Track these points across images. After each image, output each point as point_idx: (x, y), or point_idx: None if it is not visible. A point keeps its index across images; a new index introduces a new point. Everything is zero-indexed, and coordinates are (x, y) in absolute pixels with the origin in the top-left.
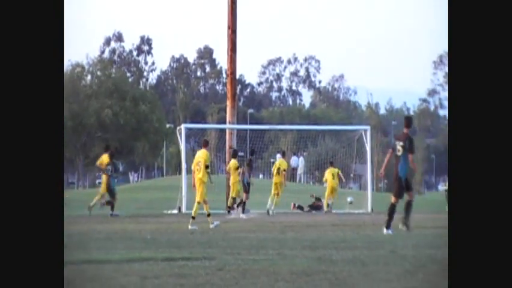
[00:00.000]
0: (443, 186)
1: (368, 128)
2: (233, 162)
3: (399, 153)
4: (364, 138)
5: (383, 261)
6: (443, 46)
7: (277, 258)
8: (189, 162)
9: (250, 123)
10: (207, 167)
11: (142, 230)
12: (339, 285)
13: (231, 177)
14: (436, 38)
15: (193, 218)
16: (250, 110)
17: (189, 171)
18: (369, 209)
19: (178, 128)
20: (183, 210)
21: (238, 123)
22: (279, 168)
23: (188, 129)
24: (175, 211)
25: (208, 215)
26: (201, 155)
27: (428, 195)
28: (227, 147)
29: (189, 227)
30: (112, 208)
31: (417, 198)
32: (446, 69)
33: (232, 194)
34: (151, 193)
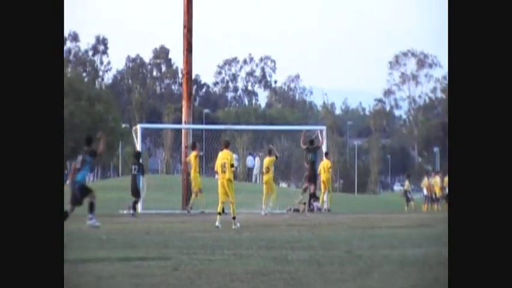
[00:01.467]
0: (399, 186)
1: (324, 128)
2: (193, 154)
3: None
4: (320, 137)
5: (339, 261)
6: (399, 46)
7: (232, 258)
8: (146, 162)
9: (206, 123)
10: (232, 166)
11: (97, 230)
12: (295, 285)
13: (192, 171)
14: (392, 38)
15: (234, 218)
16: (206, 110)
17: (145, 171)
18: (325, 209)
19: (133, 128)
20: (139, 210)
21: (194, 123)
22: (267, 167)
23: (144, 129)
24: (130, 211)
25: (234, 217)
26: (225, 155)
27: (383, 196)
28: (183, 147)
29: (233, 226)
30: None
31: (372, 198)
32: (402, 69)
33: (194, 188)
34: (106, 193)
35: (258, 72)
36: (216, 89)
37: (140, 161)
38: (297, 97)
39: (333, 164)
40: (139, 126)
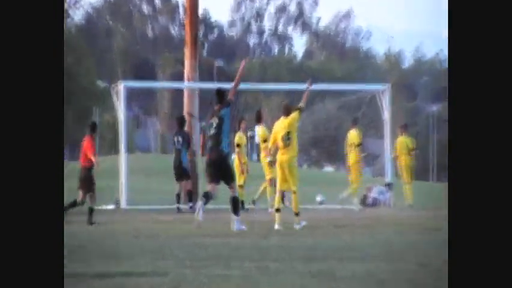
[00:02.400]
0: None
1: (386, 87)
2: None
3: None
4: (381, 101)
5: (408, 277)
6: None
7: (256, 274)
8: (132, 136)
9: (219, 81)
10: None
11: (65, 234)
12: None
13: (236, 160)
14: None
15: (297, 214)
16: (219, 62)
17: (131, 149)
18: (390, 203)
19: (114, 86)
20: (123, 205)
21: (201, 80)
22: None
23: (129, 89)
24: (112, 206)
25: (296, 213)
26: (286, 123)
27: None
28: (185, 114)
29: (295, 226)
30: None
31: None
32: None
33: (239, 181)
34: (77, 181)
35: (292, 8)
36: (233, 32)
37: (185, 129)
38: (348, 43)
39: (414, 141)
40: (121, 85)
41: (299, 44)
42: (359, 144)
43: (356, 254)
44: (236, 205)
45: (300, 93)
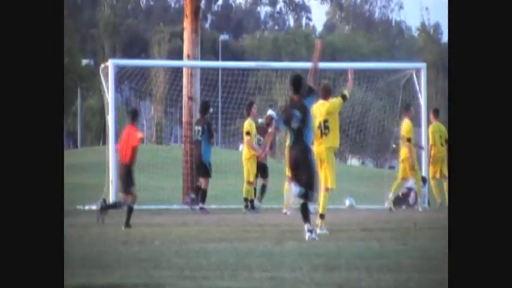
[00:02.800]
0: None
1: (422, 66)
2: (249, 123)
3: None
4: (416, 83)
5: None
6: None
7: (268, 287)
8: (122, 123)
9: (224, 59)
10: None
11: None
12: None
13: (246, 149)
14: None
15: (323, 216)
16: (224, 36)
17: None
18: (425, 203)
19: (102, 66)
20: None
21: (203, 58)
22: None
23: (119, 68)
24: (97, 206)
25: (321, 215)
26: (326, 107)
27: None
28: (185, 98)
29: (318, 231)
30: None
31: None
32: None
33: (249, 177)
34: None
35: None
36: (241, 1)
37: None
38: (376, 14)
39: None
40: (111, 63)
41: (319, 15)
42: (409, 139)
43: (385, 262)
44: (304, 212)
45: (320, 72)
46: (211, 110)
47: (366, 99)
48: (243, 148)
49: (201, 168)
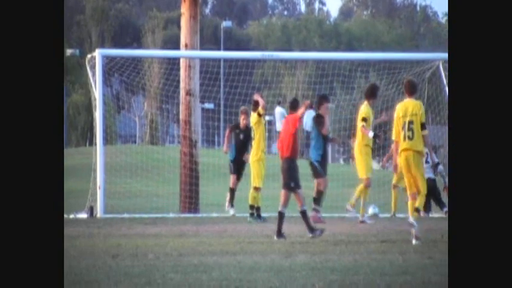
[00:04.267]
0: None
1: (447, 57)
2: (254, 117)
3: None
4: (442, 75)
5: None
6: None
7: None
8: (111, 121)
9: (227, 49)
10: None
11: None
12: None
13: (255, 149)
14: None
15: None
16: (227, 23)
17: (110, 139)
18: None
19: (88, 56)
20: (99, 213)
21: (203, 48)
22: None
23: (108, 59)
24: (84, 215)
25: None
26: (411, 105)
27: None
28: (182, 93)
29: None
30: None
31: None
32: None
33: (256, 182)
34: None
35: None
36: None
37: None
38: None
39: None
40: (98, 54)
41: (333, 0)
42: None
43: (410, 278)
44: None
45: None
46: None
47: (387, 94)
48: (253, 150)
49: (239, 174)
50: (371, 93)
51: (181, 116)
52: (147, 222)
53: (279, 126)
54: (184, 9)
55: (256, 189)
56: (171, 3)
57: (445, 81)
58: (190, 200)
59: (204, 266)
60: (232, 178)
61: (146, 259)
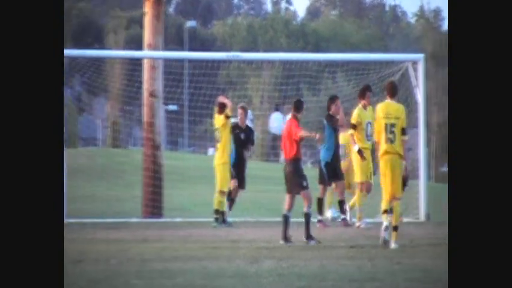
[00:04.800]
0: None
1: (420, 57)
2: (220, 119)
3: None
4: (412, 77)
5: None
6: None
7: None
8: (72, 123)
9: (191, 49)
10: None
11: None
12: None
13: (220, 152)
14: None
15: (396, 228)
16: (191, 23)
17: (72, 142)
18: (423, 216)
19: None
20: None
21: (166, 48)
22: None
23: (69, 59)
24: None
25: (396, 227)
26: (392, 108)
27: None
28: (145, 94)
29: (392, 246)
30: None
31: None
32: None
33: (221, 186)
34: None
35: None
36: None
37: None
38: None
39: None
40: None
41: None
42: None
43: (379, 284)
44: None
45: (302, 64)
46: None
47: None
48: (215, 152)
49: (242, 180)
50: (360, 94)
51: (144, 118)
52: (110, 227)
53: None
54: (147, 9)
55: (222, 193)
56: (134, 2)
57: (414, 82)
58: (154, 204)
59: (168, 272)
60: (232, 183)
61: (109, 265)
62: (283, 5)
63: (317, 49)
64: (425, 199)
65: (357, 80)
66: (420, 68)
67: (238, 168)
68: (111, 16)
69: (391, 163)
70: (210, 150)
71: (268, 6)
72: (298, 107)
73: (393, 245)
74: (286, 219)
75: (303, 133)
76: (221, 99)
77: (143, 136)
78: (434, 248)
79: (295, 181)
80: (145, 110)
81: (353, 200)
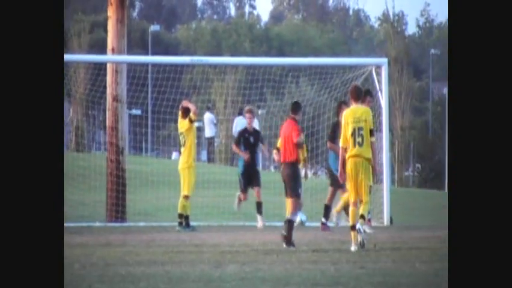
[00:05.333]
0: None
1: (383, 61)
2: (184, 123)
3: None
4: (376, 81)
5: None
6: None
7: None
8: None
9: (155, 53)
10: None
11: None
12: None
13: (184, 156)
14: None
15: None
16: (155, 27)
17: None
18: (386, 220)
19: None
20: None
21: (130, 52)
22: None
23: None
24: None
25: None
26: (358, 112)
27: None
28: (109, 99)
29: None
30: None
31: None
32: None
33: (184, 190)
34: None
35: None
36: None
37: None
38: (330, 1)
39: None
40: None
41: (264, 2)
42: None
43: None
44: None
45: (265, 68)
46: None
47: (319, 100)
48: (180, 156)
49: (257, 180)
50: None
51: (108, 123)
52: (73, 231)
53: (208, 132)
54: (111, 13)
55: (186, 197)
56: (97, 6)
57: (378, 87)
58: (117, 209)
59: (131, 277)
60: (242, 197)
61: (72, 269)
62: (247, 9)
63: (281, 53)
64: (389, 203)
65: (320, 84)
66: (384, 72)
67: (247, 174)
68: (74, 20)
69: (357, 167)
70: (174, 155)
71: (232, 10)
72: (295, 108)
73: (353, 248)
74: (290, 223)
75: (300, 139)
76: (185, 103)
77: (106, 141)
78: (397, 252)
79: (291, 185)
80: (109, 115)
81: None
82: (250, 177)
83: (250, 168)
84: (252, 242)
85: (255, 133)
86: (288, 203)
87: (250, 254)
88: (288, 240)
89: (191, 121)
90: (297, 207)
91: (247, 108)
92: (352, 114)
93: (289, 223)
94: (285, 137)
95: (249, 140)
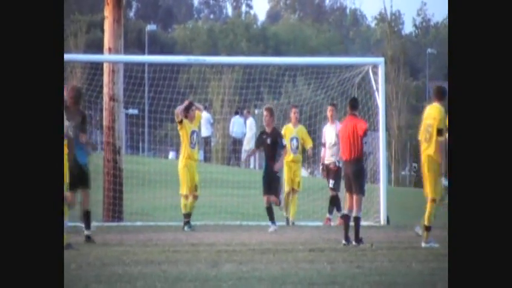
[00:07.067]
0: None
1: (380, 61)
2: (185, 123)
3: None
4: (372, 80)
5: None
6: None
7: None
8: None
9: (151, 53)
10: (439, 132)
11: None
12: None
13: (182, 154)
14: None
15: (429, 229)
16: (151, 27)
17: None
18: (383, 219)
19: None
20: None
21: (127, 52)
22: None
23: None
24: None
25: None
26: (434, 111)
27: None
28: (105, 99)
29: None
30: None
31: None
32: None
33: (185, 190)
34: None
35: None
36: None
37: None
38: (327, 1)
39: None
40: None
41: (261, 2)
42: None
43: (337, 287)
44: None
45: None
46: None
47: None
48: (180, 156)
49: (275, 188)
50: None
51: (105, 122)
52: (69, 231)
53: (204, 131)
54: (108, 13)
55: (184, 196)
56: (94, 6)
57: (375, 86)
58: (114, 208)
59: (128, 276)
60: (265, 200)
61: (69, 269)
62: (243, 8)
63: (277, 53)
64: (385, 203)
65: (317, 83)
66: (380, 71)
67: (268, 182)
68: (71, 20)
69: (422, 162)
70: (171, 154)
71: (229, 10)
72: (354, 105)
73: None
74: (346, 219)
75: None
76: (186, 103)
77: (103, 140)
78: (393, 252)
79: (358, 183)
80: (106, 114)
81: None
82: (269, 183)
83: (272, 173)
84: (248, 241)
85: (274, 133)
86: (352, 200)
87: (247, 254)
88: (356, 238)
89: (180, 122)
90: (361, 205)
91: (265, 106)
92: (426, 112)
93: (357, 220)
94: (349, 133)
95: (266, 141)
